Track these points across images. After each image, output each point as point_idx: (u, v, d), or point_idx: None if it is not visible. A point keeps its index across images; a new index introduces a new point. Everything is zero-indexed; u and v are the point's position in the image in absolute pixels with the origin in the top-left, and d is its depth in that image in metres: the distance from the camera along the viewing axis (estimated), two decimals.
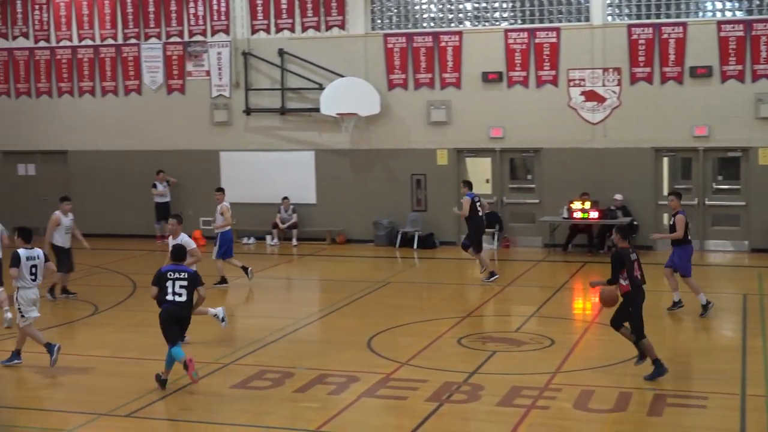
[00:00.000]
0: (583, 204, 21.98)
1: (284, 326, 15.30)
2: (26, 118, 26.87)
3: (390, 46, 23.93)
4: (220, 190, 19.61)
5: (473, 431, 10.60)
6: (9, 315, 15.12)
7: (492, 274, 18.99)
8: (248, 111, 25.00)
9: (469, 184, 19.48)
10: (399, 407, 11.24)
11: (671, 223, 15.73)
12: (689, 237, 15.61)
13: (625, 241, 12.22)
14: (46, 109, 26.69)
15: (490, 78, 23.33)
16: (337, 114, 23.76)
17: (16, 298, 13.11)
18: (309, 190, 24.78)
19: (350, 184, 24.48)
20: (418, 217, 23.96)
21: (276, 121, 24.99)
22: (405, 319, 15.71)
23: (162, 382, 11.95)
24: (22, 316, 13.06)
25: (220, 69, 25.14)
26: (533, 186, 23.74)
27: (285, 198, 24.49)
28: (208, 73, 25.27)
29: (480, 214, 19.08)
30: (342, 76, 23.94)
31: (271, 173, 24.88)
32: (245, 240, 24.97)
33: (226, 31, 25.00)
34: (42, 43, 26.53)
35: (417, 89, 23.86)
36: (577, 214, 21.97)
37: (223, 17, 24.99)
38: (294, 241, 24.36)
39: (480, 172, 24.05)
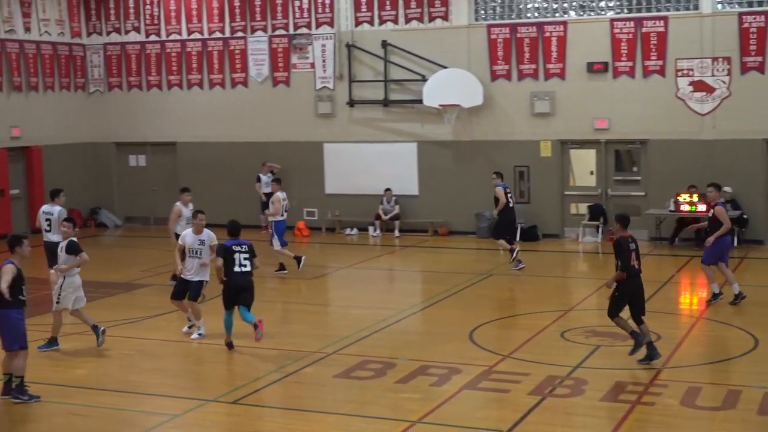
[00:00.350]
0: (690, 197, 21.48)
1: (386, 317, 15.36)
2: (137, 111, 27.55)
3: (494, 36, 23.77)
4: (276, 180, 20.07)
5: (576, 426, 10.47)
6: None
7: (516, 261, 19.23)
8: (352, 103, 25.15)
9: (500, 175, 19.87)
10: (501, 400, 11.18)
11: (710, 215, 15.87)
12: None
13: (625, 230, 12.56)
14: (156, 102, 27.31)
15: (595, 68, 22.98)
16: (440, 105, 23.73)
17: (62, 285, 13.37)
18: (411, 182, 24.80)
19: (453, 176, 24.41)
20: (521, 209, 23.76)
21: (379, 112, 25.08)
22: (507, 312, 15.62)
23: (228, 344, 13.33)
24: (58, 302, 13.39)
25: (324, 61, 25.34)
26: (639, 178, 23.31)
27: (387, 189, 24.57)
28: (312, 65, 25.50)
29: (510, 205, 19.44)
30: (445, 68, 23.89)
31: (373, 164, 24.98)
32: (348, 231, 25.14)
33: (331, 24, 25.18)
34: (153, 37, 27.15)
35: (521, 80, 23.65)
36: (685, 207, 21.48)
37: (327, 10, 25.18)
38: (396, 233, 24.43)
39: (584, 164, 23.73)
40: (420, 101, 24.02)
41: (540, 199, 23.67)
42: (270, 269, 19.92)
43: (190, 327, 14.39)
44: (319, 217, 25.64)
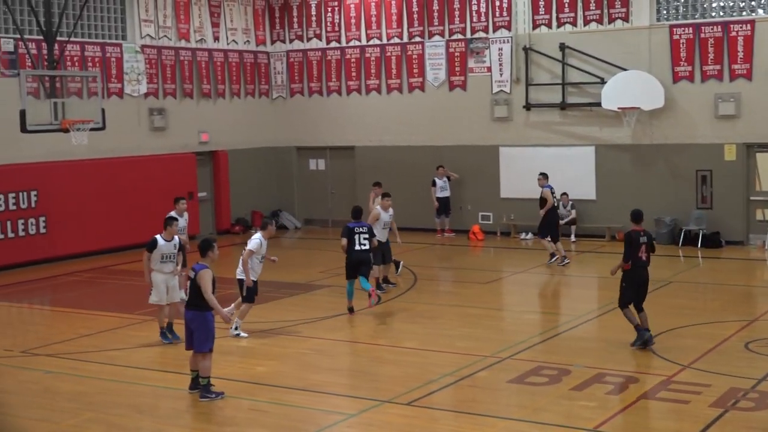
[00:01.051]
0: None
1: (562, 323, 15.15)
2: (318, 116, 28.20)
3: (676, 37, 23.06)
4: (378, 184, 20.47)
5: None
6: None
7: (562, 258, 20.54)
8: (528, 106, 24.95)
9: (546, 176, 21.00)
10: (680, 411, 10.82)
11: None
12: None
13: (637, 224, 13.71)
14: (335, 107, 27.88)
15: None
16: (619, 108, 23.22)
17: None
18: (589, 186, 24.36)
19: (631, 180, 23.83)
20: (703, 215, 22.95)
21: (556, 116, 24.78)
22: (687, 321, 15.11)
23: (350, 309, 15.94)
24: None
25: (501, 65, 25.25)
26: None
27: (564, 194, 24.20)
28: (489, 69, 25.45)
29: (555, 205, 20.89)
30: (624, 70, 23.36)
31: (550, 168, 24.54)
32: (522, 235, 24.92)
33: (508, 27, 25.06)
34: (333, 44, 27.75)
35: (704, 81, 22.85)
36: None
37: (504, 13, 25.07)
38: (572, 238, 24.05)
39: None
40: (598, 104, 23.59)
41: (723, 205, 22.80)
42: (442, 272, 20.02)
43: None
44: (494, 221, 25.55)
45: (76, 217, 22.83)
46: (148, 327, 15.61)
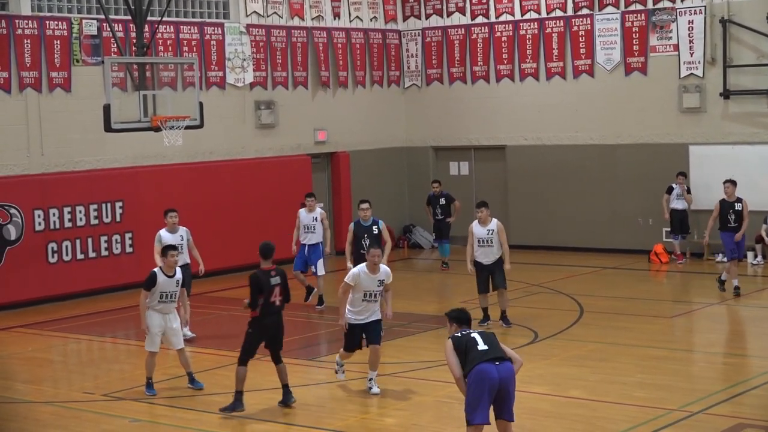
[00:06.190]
0: None
1: None
2: (460, 108, 28.17)
3: None
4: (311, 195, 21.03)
5: None
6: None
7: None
8: (727, 94, 24.47)
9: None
10: None
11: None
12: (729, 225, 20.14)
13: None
14: (482, 97, 27.83)
15: None
16: None
17: None
18: None
19: None
20: None
21: (764, 106, 24.24)
22: None
23: None
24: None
25: (691, 42, 24.84)
26: None
27: None
28: (676, 47, 25.07)
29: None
30: None
31: (755, 172, 24.10)
32: (718, 258, 24.32)
33: None
34: (480, 19, 27.76)
35: None
36: None
37: None
38: None
39: None
40: None
41: None
42: (614, 303, 19.76)
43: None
44: (682, 240, 25.13)
45: None
46: (252, 366, 15.89)
